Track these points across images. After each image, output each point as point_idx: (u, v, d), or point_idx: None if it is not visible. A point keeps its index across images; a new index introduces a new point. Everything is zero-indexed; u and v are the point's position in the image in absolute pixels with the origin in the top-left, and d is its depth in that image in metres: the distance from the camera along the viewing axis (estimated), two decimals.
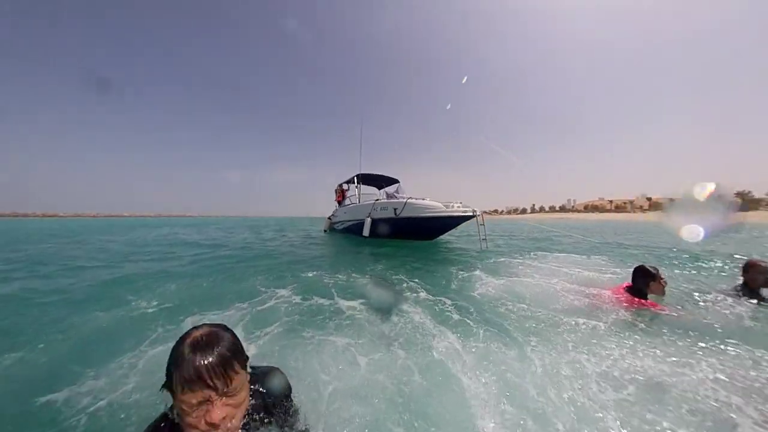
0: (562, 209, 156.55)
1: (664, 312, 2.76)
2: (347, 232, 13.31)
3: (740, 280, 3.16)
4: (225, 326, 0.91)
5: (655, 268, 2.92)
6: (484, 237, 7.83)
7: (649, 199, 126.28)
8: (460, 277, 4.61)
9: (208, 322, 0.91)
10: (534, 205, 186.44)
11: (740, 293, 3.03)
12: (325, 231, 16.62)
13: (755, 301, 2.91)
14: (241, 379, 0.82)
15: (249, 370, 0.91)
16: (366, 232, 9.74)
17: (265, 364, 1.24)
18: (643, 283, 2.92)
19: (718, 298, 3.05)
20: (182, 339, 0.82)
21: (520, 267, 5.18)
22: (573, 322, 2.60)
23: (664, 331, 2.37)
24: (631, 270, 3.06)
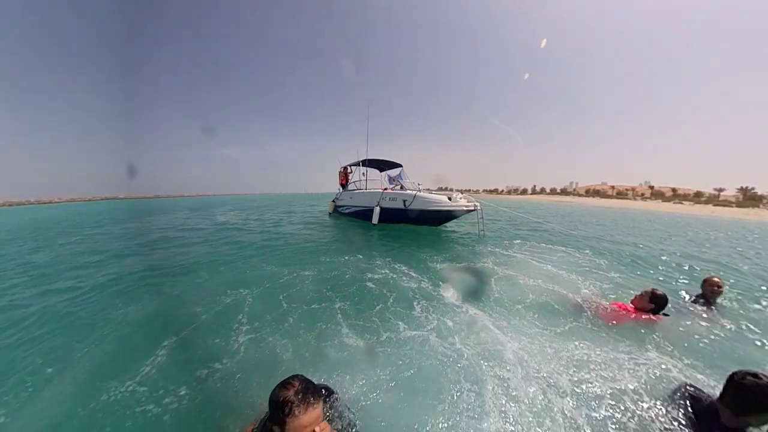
0: (563, 192, 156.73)
1: (662, 320, 3.18)
2: (354, 217, 13.83)
3: (699, 291, 3.85)
4: (302, 376, 1.33)
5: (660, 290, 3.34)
6: (482, 228, 9.25)
7: (651, 186, 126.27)
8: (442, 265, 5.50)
9: (294, 378, 1.29)
10: (535, 186, 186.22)
11: (698, 302, 3.75)
12: (330, 214, 16.59)
13: (706, 307, 3.64)
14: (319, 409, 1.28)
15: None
16: (375, 220, 10.50)
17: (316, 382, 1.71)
18: (660, 305, 3.26)
19: (684, 307, 3.73)
20: (280, 392, 1.23)
21: (512, 263, 5.79)
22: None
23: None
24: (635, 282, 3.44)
